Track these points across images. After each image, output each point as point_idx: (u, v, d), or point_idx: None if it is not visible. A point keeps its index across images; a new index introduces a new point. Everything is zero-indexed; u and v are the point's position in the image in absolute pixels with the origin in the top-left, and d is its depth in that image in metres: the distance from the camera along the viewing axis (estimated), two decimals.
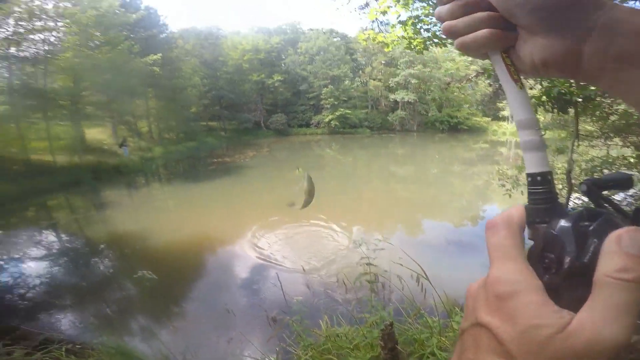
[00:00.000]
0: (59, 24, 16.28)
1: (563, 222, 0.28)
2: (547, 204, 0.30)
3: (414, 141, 31.68)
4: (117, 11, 19.73)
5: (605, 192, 0.32)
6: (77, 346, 3.40)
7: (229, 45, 35.96)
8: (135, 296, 5.51)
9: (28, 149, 13.97)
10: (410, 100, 36.35)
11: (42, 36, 15.63)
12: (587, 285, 0.24)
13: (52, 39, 16.10)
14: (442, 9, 0.35)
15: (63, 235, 8.92)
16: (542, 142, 0.32)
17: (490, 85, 33.58)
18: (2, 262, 7.04)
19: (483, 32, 0.33)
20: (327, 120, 36.72)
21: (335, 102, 36.54)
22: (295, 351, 2.80)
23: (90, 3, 17.31)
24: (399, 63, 36.70)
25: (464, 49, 0.35)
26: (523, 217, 0.29)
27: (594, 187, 0.32)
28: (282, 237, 7.19)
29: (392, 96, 37.68)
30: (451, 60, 35.42)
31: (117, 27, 19.44)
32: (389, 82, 37.88)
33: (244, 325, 4.37)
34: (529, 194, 0.32)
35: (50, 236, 8.83)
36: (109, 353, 3.10)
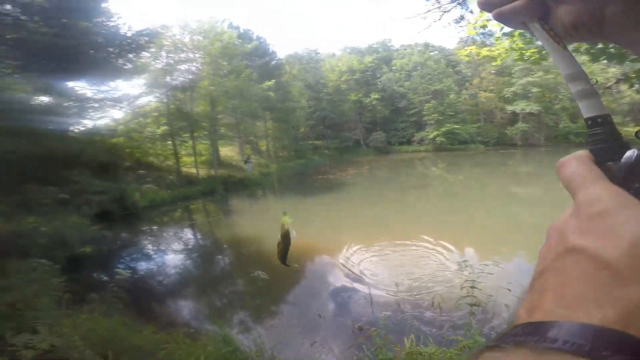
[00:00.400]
0: (197, 55, 19.80)
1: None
2: (614, 141, 0.30)
3: (541, 157, 26.96)
4: (236, 42, 22.70)
5: None
6: (192, 330, 3.95)
7: (327, 68, 38.09)
8: (246, 293, 6.02)
9: (180, 163, 17.57)
10: (533, 111, 31.53)
11: (185, 66, 19.29)
12: None
13: (193, 69, 19.65)
14: None
15: (198, 234, 10.68)
16: (594, 90, 0.33)
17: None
18: (152, 252, 8.76)
19: (520, 1, 0.35)
20: (431, 136, 34.74)
21: (440, 118, 34.37)
22: None
23: (215, 36, 20.52)
24: (513, 71, 32.66)
25: (503, 19, 0.36)
26: (590, 156, 0.29)
27: None
28: (380, 253, 6.98)
29: (509, 107, 33.39)
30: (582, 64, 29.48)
31: (238, 57, 22.53)
32: (504, 93, 33.99)
33: (329, 332, 4.45)
34: (590, 136, 0.32)
35: (188, 234, 10.69)
36: (215, 340, 3.49)
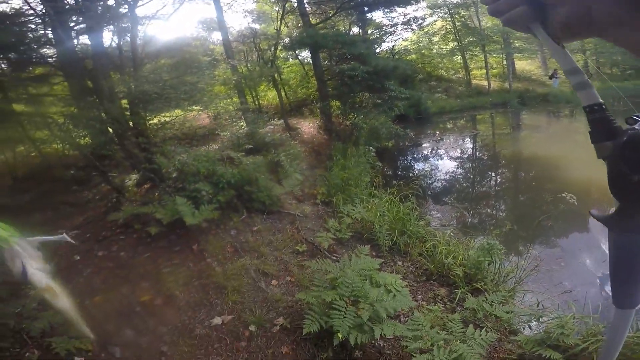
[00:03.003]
0: None
1: (631, 131, 0.35)
2: (609, 124, 0.37)
3: None
4: None
5: None
6: (453, 235, 4.20)
7: None
8: (524, 214, 5.43)
9: (470, 75, 16.70)
10: None
11: None
12: None
13: None
14: None
15: (477, 145, 10.46)
16: (588, 82, 0.39)
17: None
18: (429, 154, 9.49)
19: (523, 8, 0.40)
20: None
21: None
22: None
23: None
24: None
25: (510, 24, 0.42)
26: None
27: None
28: None
29: None
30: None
31: None
32: None
33: (605, 291, 3.52)
34: (590, 122, 0.39)
35: (468, 143, 10.68)
36: (480, 247, 3.51)
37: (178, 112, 5.48)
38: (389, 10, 12.75)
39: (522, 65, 19.38)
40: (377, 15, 13.68)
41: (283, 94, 10.80)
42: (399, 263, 3.83)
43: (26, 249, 0.58)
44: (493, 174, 8.06)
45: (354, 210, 3.89)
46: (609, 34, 0.36)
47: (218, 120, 6.90)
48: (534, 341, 2.33)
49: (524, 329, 2.83)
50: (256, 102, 10.27)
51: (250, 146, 4.82)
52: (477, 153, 9.82)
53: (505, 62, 17.39)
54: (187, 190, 3.34)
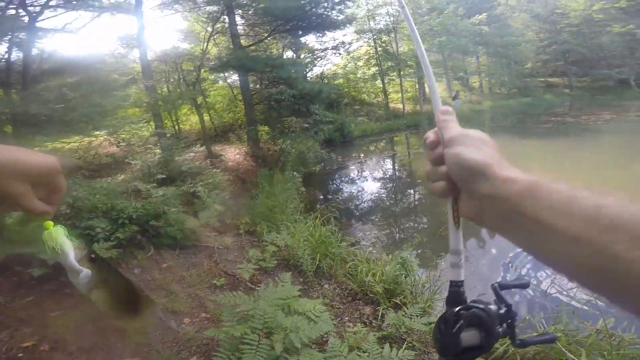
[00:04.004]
0: None
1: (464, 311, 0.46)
2: (461, 297, 0.48)
3: None
4: None
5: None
6: (374, 252, 4.51)
7: None
8: (432, 227, 5.92)
9: (388, 99, 18.53)
10: None
11: (384, 10, 18.80)
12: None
13: (391, 11, 18.87)
14: (428, 155, 0.47)
15: (397, 165, 11.42)
16: (461, 264, 0.49)
17: None
18: (356, 177, 10.07)
19: (441, 183, 0.44)
20: None
21: None
22: (544, 327, 2.49)
23: None
24: None
25: (433, 193, 0.46)
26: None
27: (498, 288, 0.51)
28: None
29: None
30: None
31: None
32: None
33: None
34: (449, 291, 0.49)
35: (388, 163, 11.61)
36: (394, 260, 3.86)
37: (78, 138, 4.87)
38: (320, 34, 13.45)
39: None
40: (310, 39, 14.48)
41: (208, 118, 10.43)
42: (325, 286, 3.87)
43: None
44: (410, 191, 8.82)
45: (277, 237, 3.85)
46: (498, 230, 0.39)
47: (130, 147, 6.30)
48: None
49: None
50: (176, 127, 9.72)
51: (163, 176, 4.48)
52: (396, 173, 10.72)
53: (417, 86, 19.63)
54: (80, 228, 2.93)
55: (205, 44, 9.00)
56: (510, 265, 4.41)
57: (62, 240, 0.50)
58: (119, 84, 6.86)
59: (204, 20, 9.93)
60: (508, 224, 0.36)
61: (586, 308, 2.31)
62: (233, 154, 8.16)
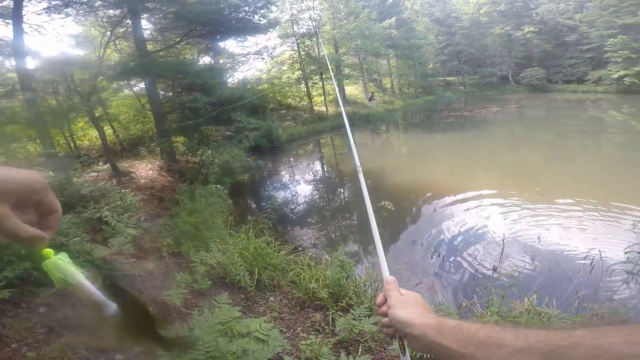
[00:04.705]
0: (316, 2, 19.67)
1: None
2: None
3: None
4: None
5: None
6: (314, 256, 4.52)
7: (460, 1, 32.64)
8: (365, 223, 6.30)
9: (312, 102, 18.91)
10: None
11: (308, 14, 19.43)
12: None
13: (314, 15, 19.77)
14: (377, 311, 0.64)
15: (325, 166, 11.71)
16: None
17: None
18: (288, 182, 10.06)
19: (390, 329, 0.62)
20: (616, 76, 25.79)
21: (634, 56, 24.97)
22: (481, 312, 2.65)
23: None
24: None
25: (385, 334, 0.62)
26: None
27: None
28: (519, 208, 6.03)
29: None
30: None
31: None
32: None
33: (444, 274, 4.39)
34: None
35: (317, 165, 11.83)
36: (333, 264, 3.88)
37: None
38: (241, 39, 12.99)
39: (350, 90, 23.68)
40: (230, 44, 13.85)
41: (110, 132, 9.20)
42: (271, 299, 3.68)
43: None
44: (341, 190, 9.11)
45: (207, 256, 3.53)
46: None
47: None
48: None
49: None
50: (71, 144, 8.34)
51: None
52: (325, 174, 10.98)
53: (337, 89, 20.70)
54: None
55: (103, 50, 7.94)
56: (437, 254, 4.83)
57: (71, 270, 0.44)
58: None
59: (103, 24, 8.81)
60: (433, 350, 0.53)
61: (515, 291, 2.54)
62: (145, 169, 7.31)
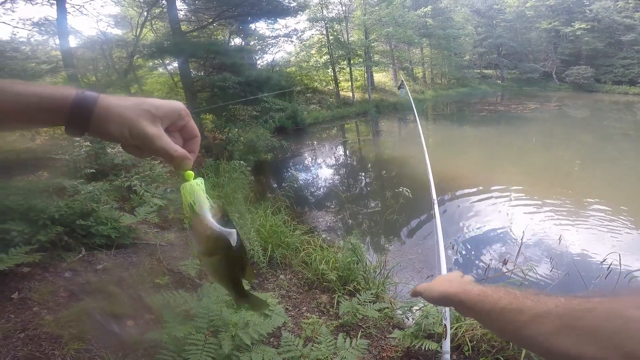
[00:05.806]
0: None
1: None
2: None
3: None
4: None
5: None
6: (328, 238, 4.57)
7: None
8: (383, 210, 6.09)
9: (339, 87, 18.72)
10: None
11: None
12: None
13: (345, 0, 19.11)
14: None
15: (347, 151, 11.63)
16: None
17: None
18: (309, 164, 10.15)
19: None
20: None
21: None
22: None
23: None
24: None
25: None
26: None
27: None
28: (547, 209, 5.79)
29: None
30: None
31: None
32: None
33: (457, 268, 4.29)
34: None
35: (340, 150, 11.77)
36: (345, 247, 3.95)
37: None
38: (272, 21, 12.99)
39: (379, 77, 23.19)
40: (260, 26, 13.88)
41: None
42: (281, 277, 3.79)
43: None
44: (361, 176, 9.05)
45: None
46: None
47: (54, 140, 5.56)
48: (410, 334, 2.40)
49: (404, 322, 2.95)
50: None
51: (93, 170, 3.99)
52: (347, 159, 10.92)
53: (365, 75, 20.06)
54: None
55: (140, 29, 8.20)
56: (453, 247, 4.73)
57: (202, 198, 0.44)
58: (38, 73, 6.20)
59: (140, 4, 9.06)
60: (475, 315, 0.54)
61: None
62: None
